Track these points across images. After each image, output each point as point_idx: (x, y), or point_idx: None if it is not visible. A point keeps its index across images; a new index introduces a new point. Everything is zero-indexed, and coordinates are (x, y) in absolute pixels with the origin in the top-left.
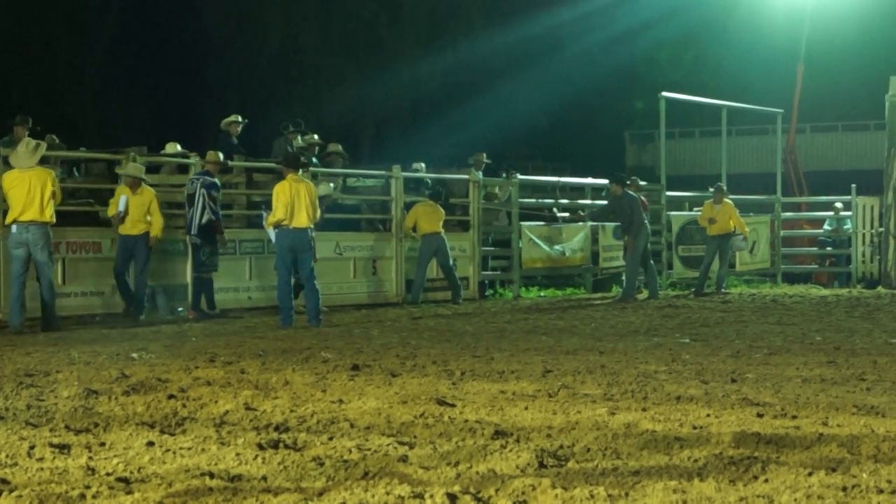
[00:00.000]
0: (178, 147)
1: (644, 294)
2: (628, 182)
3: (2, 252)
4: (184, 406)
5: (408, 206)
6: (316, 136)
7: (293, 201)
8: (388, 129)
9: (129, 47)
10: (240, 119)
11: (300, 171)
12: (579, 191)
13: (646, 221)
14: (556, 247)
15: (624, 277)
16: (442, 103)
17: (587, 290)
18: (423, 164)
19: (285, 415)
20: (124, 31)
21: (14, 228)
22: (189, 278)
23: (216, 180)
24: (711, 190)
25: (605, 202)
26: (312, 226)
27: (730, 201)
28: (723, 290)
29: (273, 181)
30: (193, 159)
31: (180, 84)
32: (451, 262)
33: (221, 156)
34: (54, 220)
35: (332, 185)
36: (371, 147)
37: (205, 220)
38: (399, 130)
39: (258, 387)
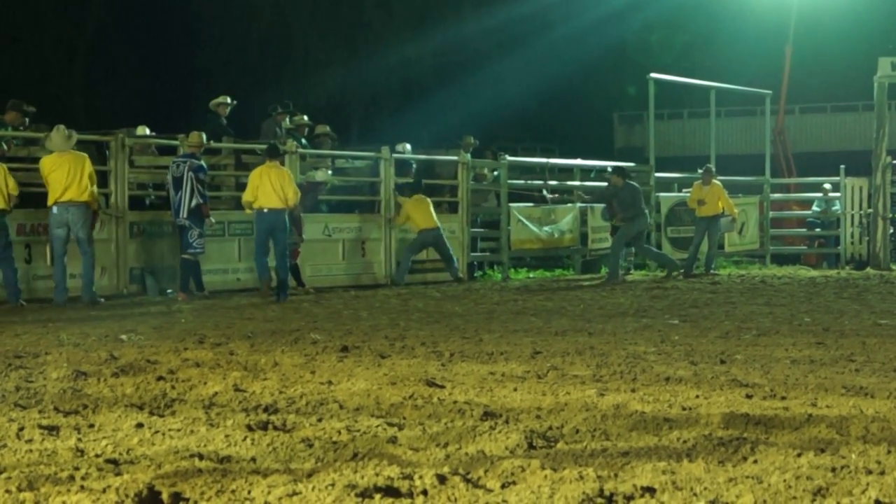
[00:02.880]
0: (147, 131)
1: (633, 275)
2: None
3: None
4: (173, 387)
5: (400, 189)
6: (305, 118)
7: (260, 185)
8: (376, 111)
9: (116, 29)
10: (228, 100)
11: (278, 159)
12: (568, 172)
13: (646, 211)
14: (545, 228)
15: (609, 260)
16: (430, 85)
17: (576, 271)
18: (408, 146)
19: (274, 396)
20: (112, 12)
21: (55, 209)
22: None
23: (202, 163)
24: (700, 171)
25: (594, 183)
26: (287, 206)
27: (718, 183)
28: (712, 271)
29: (261, 163)
30: (180, 141)
31: (168, 66)
32: (450, 250)
33: (204, 136)
34: (95, 200)
35: (329, 171)
36: (360, 128)
37: (194, 203)
38: (388, 112)
39: (247, 368)
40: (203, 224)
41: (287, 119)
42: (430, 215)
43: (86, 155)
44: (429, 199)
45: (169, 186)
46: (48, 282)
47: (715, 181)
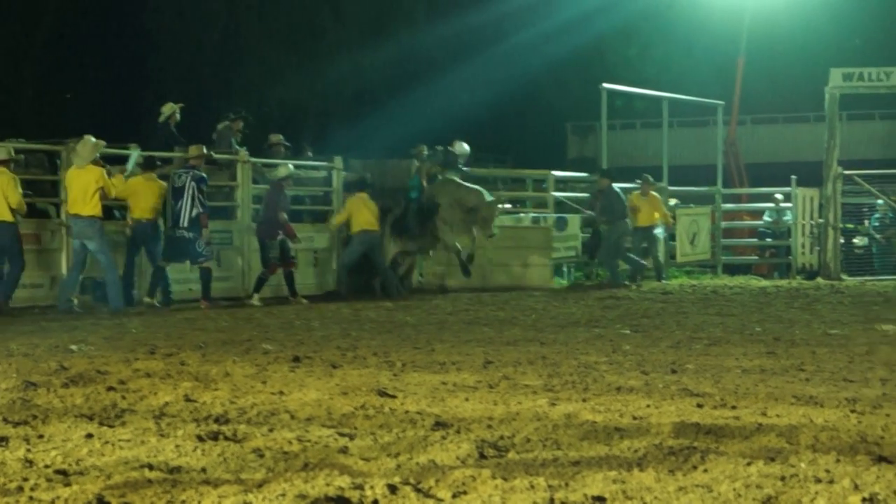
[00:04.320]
0: (94, 140)
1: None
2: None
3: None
4: (123, 398)
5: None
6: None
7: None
8: (329, 121)
9: (68, 37)
10: (176, 108)
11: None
12: (521, 182)
13: (627, 216)
14: None
15: (608, 268)
16: (384, 95)
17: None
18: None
19: (225, 406)
20: (64, 20)
21: (71, 221)
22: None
23: (204, 174)
24: (638, 182)
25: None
26: (153, 217)
27: (656, 194)
28: (663, 280)
29: (213, 171)
30: (134, 151)
31: (119, 74)
32: (384, 262)
33: (204, 148)
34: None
35: (290, 165)
36: (313, 138)
37: (194, 213)
38: (341, 122)
39: (198, 378)
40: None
41: (241, 125)
42: (372, 218)
43: (100, 169)
44: (374, 204)
45: (168, 197)
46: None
47: (653, 192)
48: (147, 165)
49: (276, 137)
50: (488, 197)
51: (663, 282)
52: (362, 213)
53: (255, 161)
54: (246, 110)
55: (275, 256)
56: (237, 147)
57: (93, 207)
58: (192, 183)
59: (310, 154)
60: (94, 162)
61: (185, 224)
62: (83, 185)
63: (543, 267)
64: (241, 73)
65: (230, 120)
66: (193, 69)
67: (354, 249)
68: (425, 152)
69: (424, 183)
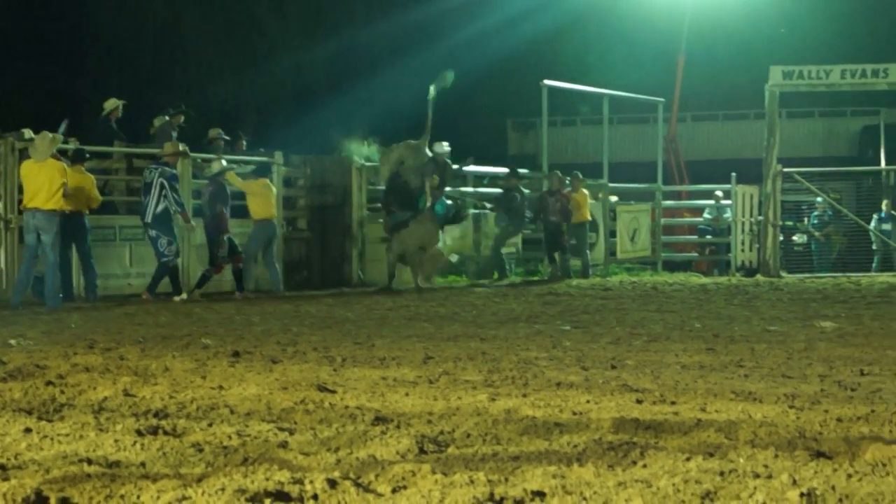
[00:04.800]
0: (31, 133)
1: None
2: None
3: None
4: (62, 392)
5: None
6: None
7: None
8: (270, 116)
9: (5, 31)
10: (119, 104)
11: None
12: (461, 178)
13: (527, 216)
14: (456, 233)
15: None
16: (324, 90)
17: (469, 277)
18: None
19: (164, 401)
20: (1, 14)
21: (25, 215)
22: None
23: (175, 171)
24: (568, 179)
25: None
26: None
27: (585, 191)
28: (590, 275)
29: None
30: (72, 144)
31: (59, 68)
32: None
33: (180, 146)
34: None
35: (223, 161)
36: (253, 134)
37: (159, 209)
38: (281, 117)
39: (137, 373)
40: (170, 230)
41: (182, 120)
42: (271, 205)
43: (62, 164)
44: (274, 190)
45: (142, 192)
46: None
47: (582, 189)
48: (77, 158)
49: (215, 132)
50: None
51: (588, 278)
52: (260, 201)
53: (194, 156)
54: (186, 105)
55: (223, 255)
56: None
57: (56, 202)
58: (161, 180)
59: (244, 145)
60: (53, 156)
61: (149, 220)
62: (45, 179)
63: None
64: (180, 68)
65: (169, 115)
66: (133, 64)
67: (256, 241)
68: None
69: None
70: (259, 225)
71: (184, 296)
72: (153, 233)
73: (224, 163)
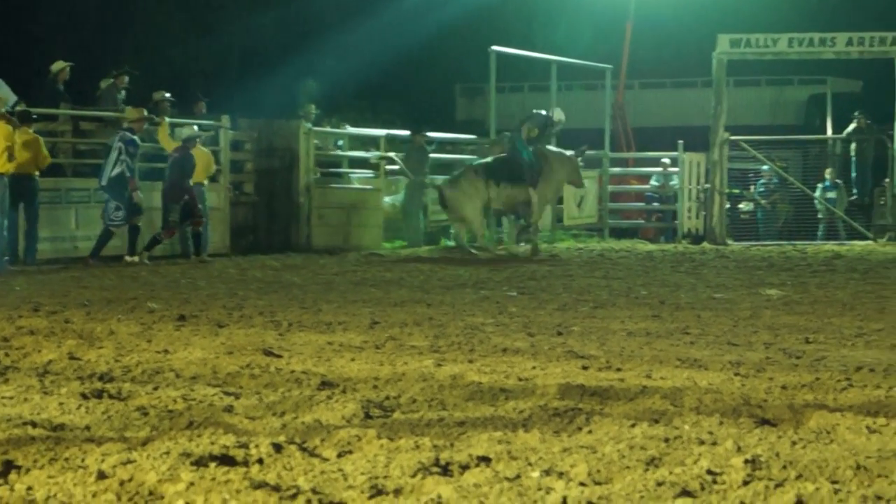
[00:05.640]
0: None
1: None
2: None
3: None
4: (6, 355)
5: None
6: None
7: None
8: (218, 80)
9: None
10: (67, 66)
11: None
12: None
13: (427, 176)
14: (387, 199)
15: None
16: (273, 55)
17: (410, 243)
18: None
19: (110, 364)
20: None
21: None
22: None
23: (136, 138)
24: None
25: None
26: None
27: None
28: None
29: (98, 129)
30: (19, 106)
31: (4, 33)
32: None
33: (145, 111)
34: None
35: (195, 127)
36: (191, 99)
37: (114, 173)
38: (230, 81)
39: (82, 336)
40: (121, 196)
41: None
42: (202, 171)
43: (7, 127)
44: (211, 156)
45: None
46: None
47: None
48: (23, 119)
49: (160, 94)
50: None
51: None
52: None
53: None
54: (131, 67)
55: (174, 221)
56: (123, 105)
57: (1, 165)
58: (119, 143)
59: (204, 109)
60: (1, 117)
61: (104, 183)
62: None
63: (375, 228)
64: (129, 31)
65: (114, 77)
66: (81, 26)
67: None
68: (314, 112)
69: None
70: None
71: (135, 258)
72: (106, 195)
73: (196, 129)
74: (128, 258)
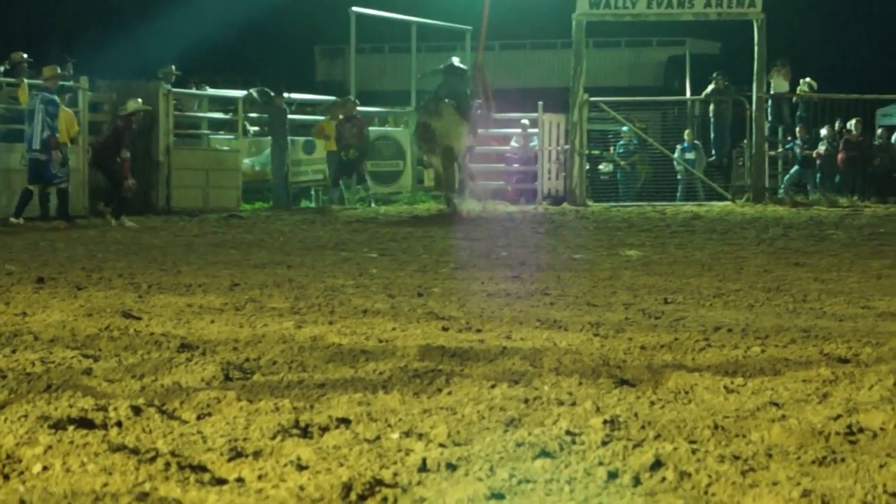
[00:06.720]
0: None
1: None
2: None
3: None
4: None
5: None
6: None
7: None
8: (76, 40)
9: None
10: None
11: None
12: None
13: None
14: (246, 160)
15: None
16: (131, 14)
17: (276, 204)
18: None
19: None
20: None
21: None
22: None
23: (55, 97)
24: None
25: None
26: None
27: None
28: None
29: None
30: None
31: None
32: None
33: (58, 69)
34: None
35: (139, 100)
36: (59, 59)
37: (45, 135)
38: (88, 42)
39: None
40: (61, 154)
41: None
42: (63, 131)
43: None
44: (73, 115)
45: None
46: None
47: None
48: None
49: (18, 56)
50: None
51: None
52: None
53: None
54: None
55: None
56: None
57: None
58: (41, 105)
59: (71, 69)
60: None
61: (38, 146)
62: None
63: (234, 189)
64: None
65: None
66: None
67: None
68: (174, 73)
69: None
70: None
71: (63, 223)
72: (43, 157)
73: (140, 101)
74: (61, 225)
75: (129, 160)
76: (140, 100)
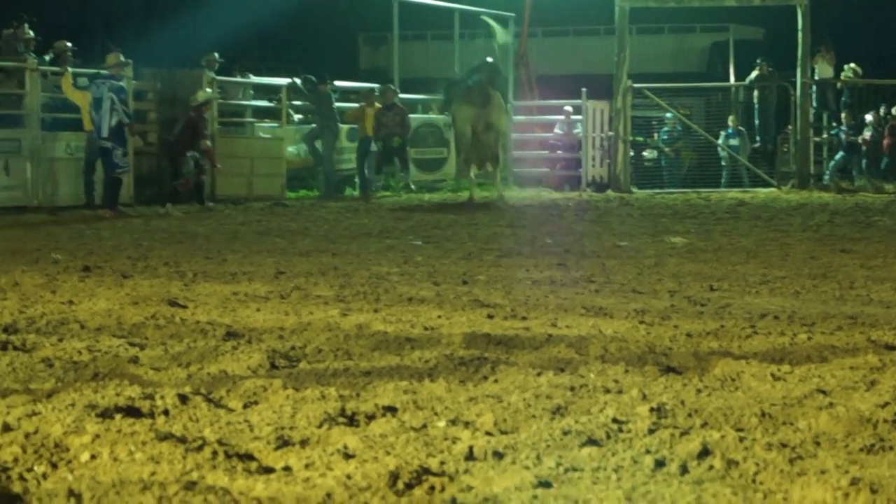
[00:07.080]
0: None
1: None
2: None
3: None
4: None
5: None
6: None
7: None
8: (119, 29)
9: None
10: None
11: None
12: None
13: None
14: (290, 148)
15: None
16: (175, 3)
17: (321, 192)
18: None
19: (14, 316)
20: None
21: None
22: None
23: (123, 84)
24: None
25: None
26: None
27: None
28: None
29: (2, 80)
30: None
31: None
32: None
33: (122, 56)
34: None
35: (208, 90)
36: (103, 47)
37: (114, 122)
38: (131, 31)
39: None
40: (126, 143)
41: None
42: (87, 118)
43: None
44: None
45: (91, 107)
46: None
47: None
48: None
49: (62, 45)
50: None
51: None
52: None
53: (43, 69)
54: (32, 16)
55: (189, 172)
56: (27, 54)
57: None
58: (111, 94)
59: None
60: None
61: (106, 134)
62: None
63: (278, 177)
64: None
65: (14, 27)
66: None
67: (91, 150)
68: (217, 61)
69: None
70: (90, 136)
71: (108, 212)
72: (109, 144)
73: (209, 91)
74: (107, 214)
75: (211, 147)
76: (209, 89)
